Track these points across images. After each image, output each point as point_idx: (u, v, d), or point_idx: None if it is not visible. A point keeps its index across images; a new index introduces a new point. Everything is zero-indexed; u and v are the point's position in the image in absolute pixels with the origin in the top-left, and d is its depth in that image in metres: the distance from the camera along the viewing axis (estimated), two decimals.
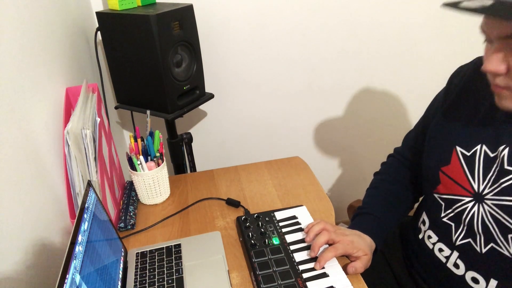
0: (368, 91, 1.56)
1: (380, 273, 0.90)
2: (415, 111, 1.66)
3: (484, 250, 0.67)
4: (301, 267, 0.74)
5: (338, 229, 0.79)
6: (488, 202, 0.65)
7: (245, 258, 0.80)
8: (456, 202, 0.71)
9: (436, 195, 0.76)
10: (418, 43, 1.47)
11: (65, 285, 0.47)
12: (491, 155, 0.66)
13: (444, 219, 0.74)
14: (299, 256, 0.76)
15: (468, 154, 0.69)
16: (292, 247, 0.79)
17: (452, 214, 0.73)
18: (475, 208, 0.68)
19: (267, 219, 0.87)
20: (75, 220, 0.58)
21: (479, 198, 0.67)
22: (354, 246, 0.75)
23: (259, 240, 0.80)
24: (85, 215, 0.61)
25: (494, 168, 0.65)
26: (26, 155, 0.64)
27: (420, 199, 0.91)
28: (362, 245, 0.76)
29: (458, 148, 0.71)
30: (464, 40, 1.48)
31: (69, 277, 0.48)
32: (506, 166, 0.63)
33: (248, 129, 1.57)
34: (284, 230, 0.84)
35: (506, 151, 0.63)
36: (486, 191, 0.66)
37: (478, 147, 0.68)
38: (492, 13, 0.51)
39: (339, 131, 1.65)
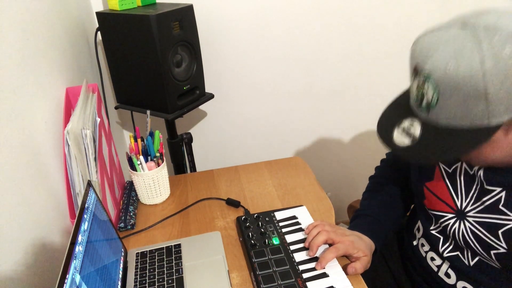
0: (368, 92, 1.56)
1: (380, 274, 0.90)
2: None
3: (472, 263, 0.68)
4: (301, 267, 0.74)
5: (338, 229, 0.79)
6: (470, 219, 0.66)
7: (245, 258, 0.80)
8: (440, 217, 0.72)
9: (425, 208, 0.77)
10: None
11: (65, 285, 0.47)
12: (470, 172, 0.66)
13: (433, 232, 0.75)
14: (299, 256, 0.76)
15: (450, 171, 0.69)
16: (292, 247, 0.79)
17: (439, 228, 0.73)
18: (456, 224, 0.68)
19: (267, 219, 0.87)
20: (75, 220, 0.58)
21: (461, 215, 0.67)
22: (354, 247, 0.75)
23: (259, 240, 0.80)
24: (85, 215, 0.61)
25: (475, 186, 0.65)
26: (26, 155, 0.64)
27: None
28: (362, 246, 0.76)
29: (441, 165, 0.71)
30: None
31: (69, 277, 0.48)
32: (486, 186, 0.63)
33: (248, 129, 1.57)
34: (284, 230, 0.84)
35: (481, 171, 0.63)
36: (469, 208, 0.66)
37: (459, 164, 0.68)
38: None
39: (339, 131, 1.65)
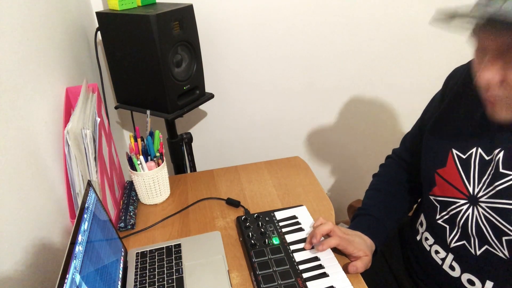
0: (368, 91, 1.56)
1: (380, 274, 0.90)
2: (415, 112, 1.65)
3: (478, 252, 0.67)
4: (301, 267, 0.74)
5: (340, 229, 0.79)
6: (483, 204, 0.65)
7: (245, 258, 0.80)
8: (451, 204, 0.71)
9: (431, 197, 0.76)
10: (418, 44, 1.47)
11: (65, 285, 0.47)
12: (486, 158, 0.66)
13: (439, 221, 0.75)
14: (299, 256, 0.76)
15: (464, 157, 0.69)
16: (292, 247, 0.79)
17: (447, 217, 0.73)
18: (470, 210, 0.68)
19: (267, 219, 0.87)
20: (75, 220, 0.58)
21: (473, 200, 0.67)
22: (355, 247, 0.75)
23: (259, 240, 0.80)
24: (85, 215, 0.61)
25: (489, 171, 0.65)
26: (26, 155, 0.64)
27: (419, 200, 0.91)
28: (362, 245, 0.77)
29: (454, 151, 0.71)
30: (464, 41, 1.48)
31: (69, 277, 0.48)
32: (501, 170, 0.63)
33: (248, 129, 1.57)
34: (284, 230, 0.84)
35: (501, 155, 0.63)
36: (480, 193, 0.66)
37: (474, 150, 0.68)
38: (494, 24, 0.49)
39: (339, 131, 1.65)
